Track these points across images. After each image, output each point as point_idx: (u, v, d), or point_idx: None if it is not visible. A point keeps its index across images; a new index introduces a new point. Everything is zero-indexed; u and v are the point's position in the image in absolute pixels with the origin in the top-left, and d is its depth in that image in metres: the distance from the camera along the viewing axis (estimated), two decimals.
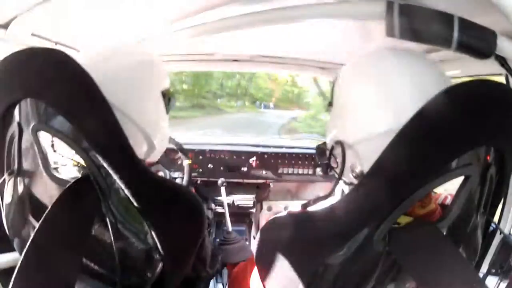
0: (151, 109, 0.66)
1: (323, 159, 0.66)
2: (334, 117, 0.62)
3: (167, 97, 0.68)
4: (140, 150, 0.66)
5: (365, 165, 0.52)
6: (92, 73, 0.54)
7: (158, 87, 0.67)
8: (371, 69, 0.55)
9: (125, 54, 0.67)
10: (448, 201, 0.61)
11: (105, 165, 0.56)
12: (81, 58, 0.57)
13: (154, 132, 0.67)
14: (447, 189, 0.63)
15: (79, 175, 0.60)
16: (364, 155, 0.53)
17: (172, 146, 1.05)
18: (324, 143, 0.66)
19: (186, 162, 1.17)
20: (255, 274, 0.61)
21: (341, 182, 0.62)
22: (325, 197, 0.64)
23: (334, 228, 0.50)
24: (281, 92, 5.56)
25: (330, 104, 0.64)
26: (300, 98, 5.52)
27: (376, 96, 0.52)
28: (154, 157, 0.72)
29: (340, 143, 0.57)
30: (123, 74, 0.63)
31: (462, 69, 0.87)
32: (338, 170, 0.60)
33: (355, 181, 0.56)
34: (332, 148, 0.61)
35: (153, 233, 0.61)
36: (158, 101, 0.67)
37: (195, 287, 0.85)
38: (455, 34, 0.53)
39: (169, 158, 1.60)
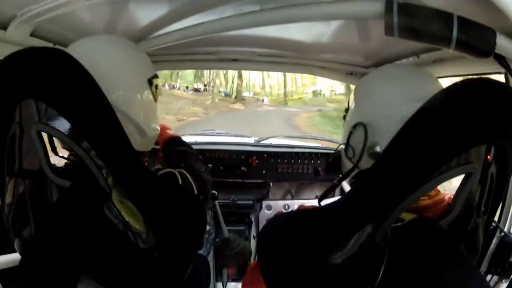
0: (139, 97, 0.68)
1: (337, 164, 0.69)
2: (352, 115, 0.65)
3: (154, 84, 0.70)
4: (134, 140, 0.68)
5: (383, 143, 0.54)
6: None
7: (143, 75, 0.69)
8: (392, 74, 0.64)
9: (106, 44, 0.69)
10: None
11: (105, 165, 0.56)
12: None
13: (146, 121, 0.69)
14: (450, 188, 0.63)
15: (79, 175, 0.60)
16: (383, 131, 0.55)
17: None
18: (339, 151, 0.69)
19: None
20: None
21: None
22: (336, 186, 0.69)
23: (336, 225, 0.50)
24: None
25: (347, 110, 0.68)
26: None
27: (396, 88, 0.59)
28: (148, 146, 0.74)
29: (361, 123, 0.59)
30: (108, 64, 0.64)
31: (461, 67, 0.87)
32: (353, 159, 0.62)
33: (368, 166, 0.56)
34: (350, 134, 0.62)
35: (154, 232, 0.61)
36: (145, 89, 0.69)
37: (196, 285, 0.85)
38: (455, 33, 0.53)
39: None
